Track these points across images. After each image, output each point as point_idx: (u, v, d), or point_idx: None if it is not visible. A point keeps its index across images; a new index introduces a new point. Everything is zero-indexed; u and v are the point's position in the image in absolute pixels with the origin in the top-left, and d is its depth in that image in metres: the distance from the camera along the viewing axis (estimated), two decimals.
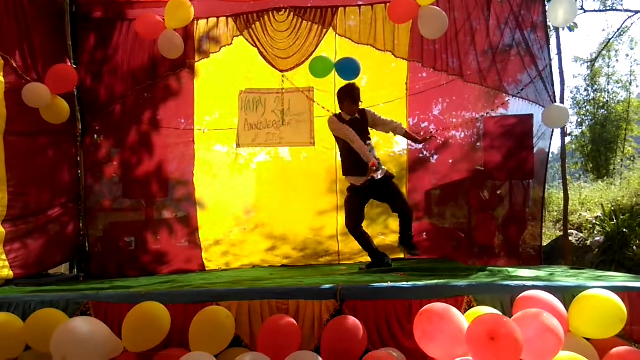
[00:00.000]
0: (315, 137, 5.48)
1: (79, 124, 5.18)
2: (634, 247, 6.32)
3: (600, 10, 13.89)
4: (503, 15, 4.92)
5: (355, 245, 4.57)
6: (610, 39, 15.07)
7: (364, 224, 4.28)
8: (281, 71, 5.19)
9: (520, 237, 5.05)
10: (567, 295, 2.69)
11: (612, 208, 7.40)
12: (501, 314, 2.48)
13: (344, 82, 4.44)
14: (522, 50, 4.90)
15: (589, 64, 16.18)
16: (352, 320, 2.60)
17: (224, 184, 5.66)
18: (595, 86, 16.16)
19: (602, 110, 15.73)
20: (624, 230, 6.47)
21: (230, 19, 5.18)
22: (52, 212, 4.79)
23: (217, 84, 5.53)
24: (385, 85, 5.42)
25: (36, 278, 4.43)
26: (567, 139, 5.94)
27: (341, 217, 5.30)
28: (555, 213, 9.17)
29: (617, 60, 16.14)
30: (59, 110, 4.56)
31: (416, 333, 2.37)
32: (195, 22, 5.11)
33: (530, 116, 4.98)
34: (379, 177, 4.06)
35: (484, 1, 4.93)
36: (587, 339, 2.51)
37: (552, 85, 4.87)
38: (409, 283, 2.92)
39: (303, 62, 5.06)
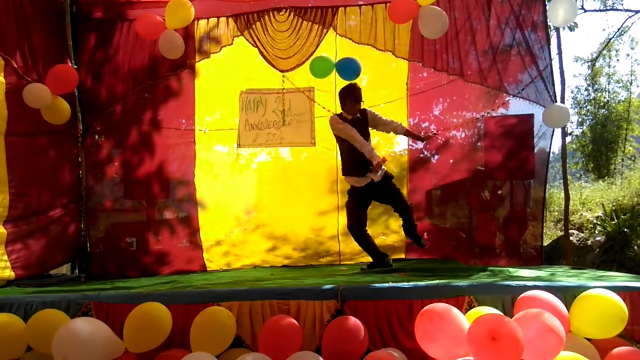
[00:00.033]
0: (316, 137, 5.48)
1: (80, 124, 5.18)
2: (635, 247, 6.31)
3: (600, 10, 13.88)
4: (503, 15, 4.92)
5: (356, 245, 4.57)
6: (610, 39, 15.07)
7: None
8: (282, 71, 5.19)
9: (521, 237, 5.05)
10: (568, 295, 2.69)
11: (613, 208, 7.40)
12: (502, 314, 2.48)
13: (344, 82, 4.43)
14: (523, 50, 4.90)
15: (589, 63, 16.18)
16: (353, 320, 2.60)
17: (225, 184, 5.66)
18: (596, 86, 16.16)
19: (603, 110, 15.73)
20: (625, 230, 6.46)
21: (230, 19, 5.18)
22: (53, 212, 4.80)
23: (217, 84, 5.54)
24: (385, 85, 5.42)
25: (37, 279, 4.43)
26: (568, 139, 5.95)
27: (342, 218, 5.31)
28: (556, 213, 9.17)
29: (618, 59, 16.16)
30: (60, 110, 4.57)
31: (417, 333, 2.37)
32: (196, 22, 5.11)
33: (531, 116, 4.98)
34: (378, 178, 4.08)
35: (485, 1, 4.93)
36: (588, 339, 2.51)
37: (553, 84, 4.87)
38: (410, 283, 2.92)
39: (303, 62, 5.06)
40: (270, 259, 5.52)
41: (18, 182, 4.27)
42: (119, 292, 3.18)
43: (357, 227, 4.19)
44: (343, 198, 4.38)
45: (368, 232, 4.29)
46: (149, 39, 4.91)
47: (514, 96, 4.96)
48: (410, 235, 4.24)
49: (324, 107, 5.36)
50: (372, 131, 4.39)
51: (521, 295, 2.59)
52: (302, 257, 5.51)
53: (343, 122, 4.15)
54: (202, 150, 5.55)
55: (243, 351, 2.64)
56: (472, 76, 4.97)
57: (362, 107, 4.26)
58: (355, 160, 4.15)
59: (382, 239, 5.33)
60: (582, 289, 2.64)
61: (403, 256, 5.35)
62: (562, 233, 5.72)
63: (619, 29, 14.63)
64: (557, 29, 5.19)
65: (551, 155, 5.41)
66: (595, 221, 7.41)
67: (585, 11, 13.07)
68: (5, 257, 4.13)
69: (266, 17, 5.12)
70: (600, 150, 14.79)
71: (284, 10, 5.12)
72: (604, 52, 15.73)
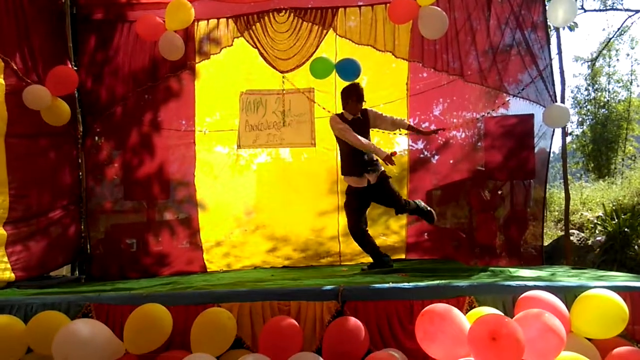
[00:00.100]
0: (316, 138, 5.48)
1: (80, 125, 5.18)
2: (636, 247, 6.31)
3: (600, 10, 13.89)
4: (503, 15, 4.92)
5: (356, 246, 4.57)
6: (610, 39, 15.08)
7: None
8: (282, 72, 5.19)
9: (521, 237, 5.05)
10: (569, 295, 2.69)
11: (614, 207, 7.39)
12: (503, 314, 2.47)
13: (344, 83, 4.44)
14: (523, 50, 4.90)
15: (589, 63, 16.19)
16: (354, 321, 2.60)
17: (225, 185, 5.66)
18: (596, 85, 16.17)
19: (603, 110, 15.74)
20: (626, 229, 6.46)
21: (230, 20, 5.18)
22: (53, 214, 4.80)
23: (217, 85, 5.54)
24: (385, 86, 5.42)
25: (38, 280, 4.43)
26: (568, 139, 5.95)
27: (342, 218, 5.29)
28: (557, 213, 9.17)
29: (618, 59, 16.18)
30: (60, 112, 4.57)
31: (418, 334, 2.37)
32: (196, 23, 5.12)
33: (531, 116, 4.98)
34: (374, 180, 4.13)
35: (484, 1, 4.94)
36: (589, 339, 2.50)
37: (553, 84, 4.86)
38: (411, 284, 2.92)
39: (303, 63, 5.06)
40: (270, 259, 5.52)
41: (18, 184, 4.26)
42: (119, 293, 3.18)
43: (357, 228, 4.19)
44: (343, 199, 4.37)
45: (368, 232, 4.29)
46: (149, 41, 4.91)
47: (514, 96, 4.96)
48: (417, 214, 4.31)
49: (324, 108, 5.36)
50: (372, 131, 4.39)
51: (522, 296, 2.59)
52: (303, 258, 5.51)
53: (343, 122, 4.15)
54: (202, 151, 5.55)
55: (243, 352, 2.64)
56: (472, 76, 4.97)
57: (363, 107, 4.26)
58: (354, 161, 4.16)
59: (383, 240, 5.33)
60: (583, 289, 2.64)
61: (403, 257, 5.35)
62: (563, 233, 5.72)
63: (618, 29, 14.65)
64: (557, 29, 5.19)
65: (551, 155, 5.41)
66: (595, 221, 7.40)
67: (585, 11, 13.08)
68: (6, 259, 4.13)
69: (266, 18, 5.12)
70: (600, 150, 14.80)
71: (283, 11, 5.12)
72: (604, 51, 15.74)
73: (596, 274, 3.66)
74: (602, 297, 2.48)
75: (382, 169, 4.23)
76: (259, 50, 5.15)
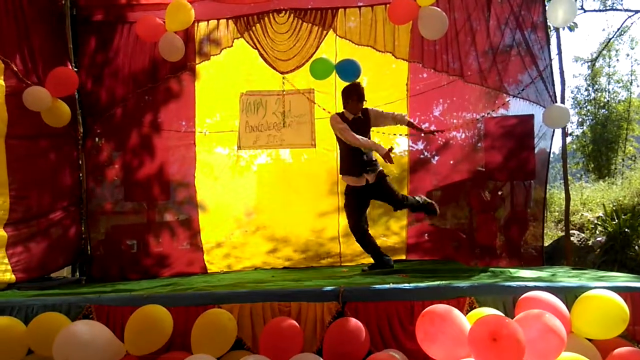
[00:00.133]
0: (316, 139, 5.48)
1: (80, 127, 5.18)
2: (636, 247, 6.31)
3: (600, 10, 13.90)
4: (503, 16, 4.92)
5: (356, 247, 4.58)
6: (610, 39, 15.09)
7: None
8: (282, 73, 5.19)
9: (521, 238, 5.05)
10: (569, 295, 2.69)
11: (614, 208, 7.40)
12: (503, 315, 2.48)
13: (344, 84, 4.44)
14: (523, 50, 4.90)
15: (589, 63, 16.20)
16: (354, 322, 2.60)
17: (225, 186, 5.65)
18: (596, 86, 16.18)
19: (603, 110, 15.75)
20: (626, 230, 6.46)
21: (230, 21, 5.18)
22: (53, 215, 4.80)
23: (218, 86, 5.54)
24: (385, 86, 5.41)
25: (38, 282, 4.43)
26: (568, 139, 5.95)
27: (343, 219, 5.29)
28: (557, 213, 9.18)
29: (618, 59, 16.20)
30: (60, 113, 4.57)
31: (418, 334, 2.37)
32: (196, 24, 5.12)
33: (531, 116, 4.98)
34: (373, 179, 4.15)
35: (484, 1, 4.94)
36: (590, 340, 2.51)
37: (553, 85, 4.87)
38: (411, 284, 2.92)
39: (303, 63, 5.06)
40: (270, 260, 5.52)
41: (18, 185, 4.26)
42: (119, 294, 3.19)
43: (358, 227, 4.20)
44: (343, 199, 4.38)
45: (369, 233, 4.29)
46: (149, 42, 4.91)
47: (514, 97, 4.96)
48: (419, 210, 4.31)
49: (324, 109, 5.36)
50: (372, 131, 4.40)
51: (522, 296, 2.59)
52: (303, 259, 5.50)
53: (343, 122, 4.16)
54: (203, 152, 5.55)
55: (244, 353, 2.64)
56: (472, 77, 4.97)
57: (364, 107, 4.27)
58: (353, 161, 4.18)
59: (383, 240, 5.33)
60: (583, 289, 2.64)
61: (404, 257, 5.35)
62: (563, 233, 5.72)
63: (618, 29, 14.67)
64: (556, 29, 5.19)
65: (551, 155, 5.41)
66: (596, 221, 7.41)
67: (585, 11, 13.09)
68: (6, 260, 4.12)
69: (266, 19, 5.12)
70: (600, 150, 14.80)
71: (283, 12, 5.12)
72: (604, 52, 15.75)
73: (597, 275, 3.66)
74: (602, 298, 2.48)
75: (381, 168, 4.24)
76: (259, 51, 5.15)
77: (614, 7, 13.64)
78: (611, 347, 2.42)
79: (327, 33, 5.10)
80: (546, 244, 5.86)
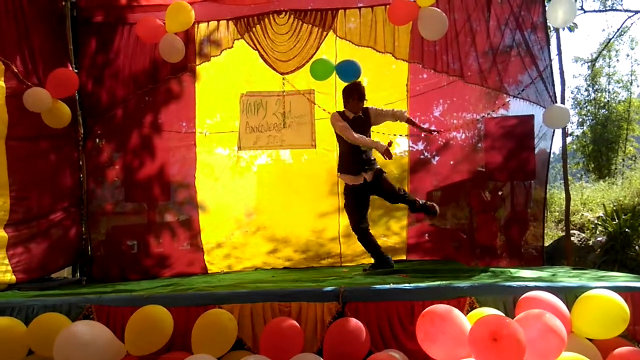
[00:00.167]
0: (316, 140, 5.48)
1: (81, 128, 5.19)
2: (637, 247, 6.31)
3: (600, 11, 13.91)
4: (503, 16, 4.92)
5: (357, 247, 4.58)
6: (610, 39, 15.10)
7: None
8: (282, 74, 5.20)
9: (522, 238, 5.05)
10: (570, 295, 2.69)
11: (614, 208, 7.40)
12: (503, 315, 2.48)
13: (344, 85, 4.45)
14: (523, 50, 4.90)
15: (589, 64, 16.20)
16: (355, 322, 2.60)
17: (226, 187, 5.66)
18: (596, 86, 16.18)
19: (603, 110, 15.75)
20: (626, 230, 6.46)
21: (230, 22, 5.19)
22: (54, 216, 4.80)
23: (218, 87, 5.54)
24: (385, 87, 5.42)
25: (39, 282, 4.43)
26: (568, 139, 5.96)
27: (343, 219, 5.30)
28: (557, 213, 9.18)
29: (618, 60, 16.20)
30: (60, 114, 4.57)
31: (418, 335, 2.37)
32: (196, 25, 5.12)
33: (531, 117, 4.98)
34: (370, 178, 4.16)
35: (484, 2, 4.94)
36: (590, 340, 2.51)
37: (553, 85, 4.87)
38: (411, 285, 2.92)
39: (304, 64, 5.07)
40: (271, 261, 5.52)
41: (19, 186, 4.27)
42: (120, 295, 3.19)
43: (359, 226, 4.21)
44: (343, 200, 4.38)
45: (370, 232, 4.29)
46: (149, 43, 4.91)
47: (514, 97, 4.96)
48: (417, 211, 4.27)
49: (324, 110, 5.36)
50: (373, 131, 4.40)
51: (522, 296, 2.60)
52: (303, 259, 5.50)
53: (343, 120, 4.17)
54: (203, 153, 5.55)
55: (244, 353, 2.64)
56: (472, 77, 4.98)
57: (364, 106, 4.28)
58: (352, 160, 4.20)
59: (383, 241, 5.32)
60: (584, 289, 2.65)
61: (404, 257, 5.35)
62: (563, 233, 5.72)
63: (618, 29, 14.68)
64: (556, 30, 5.19)
65: (552, 155, 5.41)
66: (596, 221, 7.41)
67: (585, 12, 13.10)
68: (6, 261, 4.13)
69: (266, 20, 5.13)
70: (600, 150, 14.80)
71: (283, 13, 5.13)
72: (604, 52, 15.76)
73: (597, 275, 3.66)
74: (603, 298, 2.48)
75: (378, 166, 4.25)
76: (259, 52, 5.16)
77: (614, 8, 13.65)
78: (611, 347, 2.42)
79: (327, 34, 5.10)
80: (546, 244, 5.86)
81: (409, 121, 4.54)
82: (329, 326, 2.69)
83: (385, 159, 4.09)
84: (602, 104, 15.84)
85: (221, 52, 5.22)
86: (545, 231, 5.36)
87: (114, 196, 5.40)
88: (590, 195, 9.72)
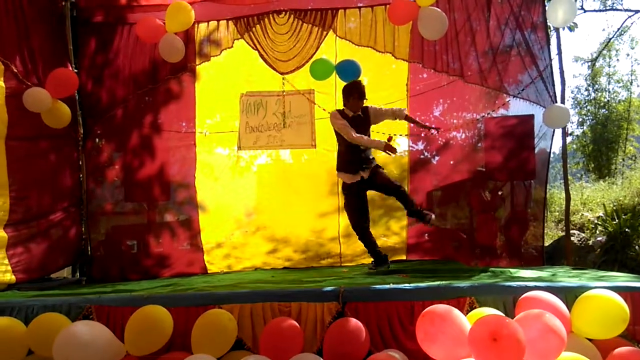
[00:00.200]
0: (316, 139, 5.48)
1: (81, 128, 5.19)
2: (636, 247, 6.31)
3: (600, 10, 13.89)
4: (503, 16, 4.92)
5: (357, 247, 4.58)
6: (610, 39, 15.09)
7: None
8: (282, 74, 5.20)
9: (522, 238, 5.05)
10: (570, 295, 2.69)
11: (614, 208, 7.40)
12: (503, 315, 2.48)
13: (344, 84, 4.44)
14: (523, 50, 4.90)
15: (589, 63, 16.19)
16: (355, 322, 2.60)
17: (225, 187, 5.66)
18: (596, 86, 16.17)
19: (603, 110, 15.74)
20: (626, 230, 6.46)
21: (230, 22, 5.19)
22: (54, 216, 4.80)
23: (218, 87, 5.54)
24: (385, 87, 5.41)
25: (38, 282, 4.43)
26: (568, 139, 5.95)
27: (343, 219, 5.31)
28: (557, 213, 9.17)
29: (618, 59, 16.19)
30: (60, 114, 4.57)
31: (418, 334, 2.37)
32: (196, 25, 5.12)
33: (531, 116, 4.98)
34: (367, 175, 4.16)
35: (484, 2, 4.94)
36: (590, 340, 2.51)
37: (553, 85, 4.87)
38: (411, 285, 2.92)
39: (303, 64, 5.07)
40: (271, 261, 5.52)
41: (18, 186, 4.27)
42: (119, 295, 3.19)
43: (359, 226, 4.22)
44: (343, 200, 4.39)
45: (370, 231, 4.29)
46: (149, 43, 4.91)
47: (514, 97, 4.96)
48: (412, 214, 4.23)
49: (324, 109, 5.36)
50: (373, 131, 4.40)
51: (522, 296, 2.60)
52: (303, 259, 5.50)
53: (343, 119, 4.17)
54: (203, 152, 5.55)
55: (244, 353, 2.64)
56: (472, 77, 4.98)
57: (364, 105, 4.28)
58: (350, 158, 4.21)
59: (383, 241, 5.33)
60: (584, 289, 2.65)
61: (404, 257, 5.35)
62: (563, 233, 5.72)
63: (618, 29, 14.67)
64: (556, 30, 5.19)
65: (552, 155, 5.41)
66: (596, 221, 7.41)
67: (585, 11, 13.08)
68: (6, 261, 4.13)
69: (266, 19, 5.13)
70: (600, 150, 14.79)
71: (283, 12, 5.12)
72: (604, 52, 15.75)
73: (597, 275, 3.67)
74: (602, 298, 2.48)
75: (376, 164, 4.25)
76: (259, 52, 5.15)
77: (614, 7, 13.64)
78: (611, 347, 2.42)
79: (327, 34, 5.10)
80: (546, 243, 5.86)
81: (407, 118, 4.54)
82: (328, 326, 2.69)
83: (390, 154, 4.08)
84: (602, 104, 15.83)
85: (221, 52, 5.22)
86: (545, 231, 5.36)
87: (113, 196, 5.41)
88: (590, 195, 9.71)
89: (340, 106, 4.41)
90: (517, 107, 5.02)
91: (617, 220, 6.72)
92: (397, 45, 5.00)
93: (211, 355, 2.46)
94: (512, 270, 4.01)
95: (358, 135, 4.11)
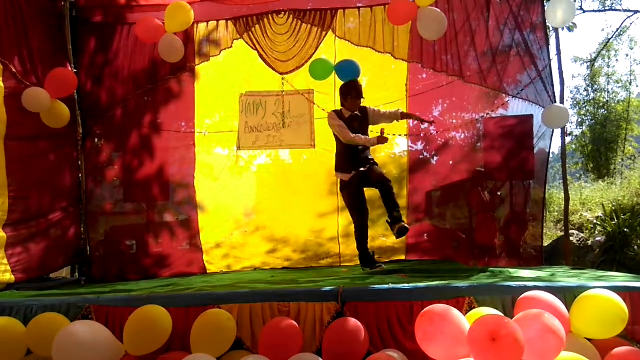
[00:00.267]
0: (316, 139, 5.48)
1: (80, 127, 5.18)
2: (635, 247, 6.31)
3: (599, 11, 13.89)
4: (502, 16, 4.93)
5: (356, 247, 4.56)
6: (609, 39, 15.09)
7: None
8: (281, 74, 5.20)
9: (521, 238, 5.05)
10: (569, 295, 2.69)
11: (613, 208, 7.40)
12: (502, 315, 2.48)
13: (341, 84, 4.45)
14: (522, 50, 4.91)
15: (588, 64, 16.20)
16: (354, 322, 2.60)
17: (225, 187, 5.66)
18: (595, 86, 16.18)
19: (602, 110, 15.75)
20: (625, 230, 6.47)
21: (230, 22, 5.19)
22: (53, 216, 4.80)
23: (217, 87, 5.54)
24: (385, 87, 5.42)
25: (37, 282, 4.43)
26: (568, 139, 5.97)
27: (342, 219, 5.32)
28: (556, 213, 9.18)
29: (617, 60, 16.18)
30: (59, 114, 4.57)
31: (417, 334, 2.37)
32: (196, 25, 5.12)
33: (530, 116, 4.99)
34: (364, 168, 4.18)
35: (483, 2, 4.94)
36: (589, 340, 2.51)
37: (552, 85, 4.87)
38: (410, 284, 2.92)
39: (303, 64, 5.07)
40: (270, 261, 5.52)
41: (18, 186, 4.26)
42: (119, 295, 3.19)
43: (364, 224, 4.21)
44: (343, 199, 4.39)
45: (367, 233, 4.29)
46: (148, 43, 4.91)
47: (513, 97, 4.97)
48: (390, 223, 4.08)
49: (323, 109, 5.36)
50: (372, 131, 4.40)
51: (521, 296, 2.60)
52: (302, 259, 5.51)
53: (339, 119, 4.18)
54: (202, 152, 5.55)
55: (243, 353, 2.64)
56: (471, 77, 4.98)
57: (363, 105, 4.28)
58: (348, 160, 4.23)
59: (383, 241, 5.33)
60: (583, 289, 2.65)
61: (403, 257, 5.35)
62: (562, 233, 5.72)
63: (617, 29, 14.69)
64: (555, 30, 5.20)
65: (551, 155, 5.41)
66: (595, 221, 7.41)
67: (584, 12, 13.10)
68: (5, 261, 4.13)
69: (265, 20, 5.12)
70: (600, 150, 14.80)
71: (283, 13, 5.12)
72: (603, 52, 15.75)
73: (596, 275, 3.67)
74: (601, 298, 2.48)
75: (373, 161, 4.27)
76: (258, 52, 5.15)
77: (613, 8, 13.64)
78: (610, 347, 2.42)
79: (326, 34, 5.10)
80: (545, 244, 5.87)
81: (403, 116, 4.54)
82: (328, 326, 2.69)
83: (383, 144, 4.12)
84: (601, 104, 15.84)
85: (220, 52, 5.22)
86: (544, 231, 5.36)
87: (113, 196, 5.40)
88: (589, 195, 9.72)
89: (339, 105, 4.42)
90: (517, 107, 5.02)
91: (616, 221, 6.73)
92: (397, 46, 5.01)
93: (210, 355, 2.45)
94: (511, 270, 4.01)
95: (353, 135, 4.11)
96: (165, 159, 5.42)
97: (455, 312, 2.37)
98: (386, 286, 2.90)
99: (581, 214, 8.35)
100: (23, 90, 4.29)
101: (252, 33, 5.15)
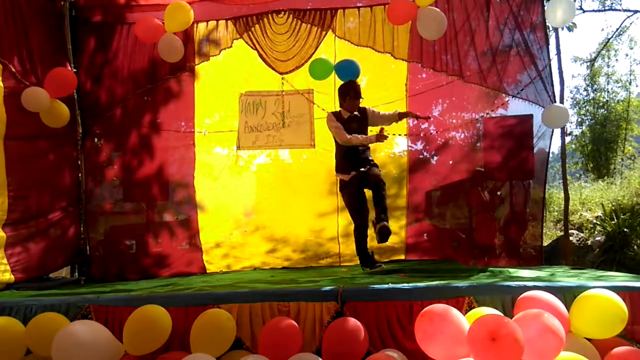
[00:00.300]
0: (316, 139, 5.48)
1: (80, 127, 5.18)
2: (635, 247, 6.31)
3: (599, 10, 13.88)
4: (502, 16, 4.93)
5: None
6: (609, 39, 15.09)
7: None
8: (281, 73, 5.19)
9: (520, 238, 5.05)
10: (568, 295, 2.70)
11: (613, 207, 7.40)
12: (502, 314, 2.48)
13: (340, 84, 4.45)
14: (522, 50, 4.91)
15: (588, 63, 16.20)
16: (353, 322, 2.60)
17: (225, 187, 5.66)
18: (595, 86, 16.18)
19: (602, 110, 15.75)
20: (625, 229, 6.46)
21: (229, 21, 5.19)
22: (52, 215, 4.80)
23: (217, 86, 5.54)
24: (385, 87, 5.42)
25: (37, 282, 4.43)
26: (567, 139, 5.96)
27: (342, 219, 5.32)
28: (556, 213, 9.17)
29: (617, 59, 16.18)
30: (59, 114, 4.57)
31: (417, 334, 2.37)
32: (195, 25, 5.12)
33: (530, 116, 4.99)
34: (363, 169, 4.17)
35: (483, 2, 4.94)
36: (588, 339, 2.51)
37: (552, 85, 4.87)
38: (410, 284, 2.92)
39: (303, 64, 5.07)
40: (270, 260, 5.52)
41: (17, 186, 4.27)
42: (118, 294, 3.19)
43: (364, 225, 4.21)
44: (343, 199, 4.38)
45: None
46: (148, 42, 4.91)
47: (513, 97, 4.97)
48: (378, 225, 4.02)
49: (323, 109, 5.36)
50: (371, 131, 4.40)
51: (521, 296, 2.60)
52: (302, 259, 5.51)
53: (337, 121, 4.18)
54: (202, 152, 5.55)
55: (243, 353, 2.64)
56: (471, 77, 4.98)
57: (361, 106, 4.27)
58: (347, 161, 4.22)
59: None
60: (582, 289, 2.65)
61: (403, 257, 5.35)
62: (562, 233, 5.72)
63: (617, 29, 14.69)
64: (555, 30, 5.20)
65: (550, 155, 5.41)
66: (595, 221, 7.41)
67: (584, 11, 13.09)
68: (5, 261, 4.13)
69: (265, 19, 5.12)
70: (599, 150, 14.80)
71: (282, 12, 5.12)
72: (603, 52, 15.75)
73: (595, 274, 3.67)
74: (601, 297, 2.48)
75: (373, 162, 4.27)
76: (258, 51, 5.15)
77: (613, 8, 13.64)
78: (610, 347, 2.42)
79: (326, 34, 5.10)
80: (545, 243, 5.87)
81: (401, 116, 4.54)
82: (327, 326, 2.69)
83: (383, 142, 4.13)
84: (601, 104, 15.84)
85: (220, 52, 5.22)
86: (544, 231, 5.36)
87: (112, 196, 5.40)
88: (589, 195, 9.71)
89: (339, 107, 4.41)
90: (516, 107, 5.02)
91: (615, 220, 6.73)
92: (396, 45, 5.01)
93: (210, 355, 2.45)
94: (510, 270, 4.02)
95: (350, 136, 4.11)
96: (164, 158, 5.42)
97: (455, 311, 2.37)
98: (386, 286, 2.90)
99: (581, 214, 8.35)
100: (22, 90, 4.29)
101: (252, 33, 5.15)
